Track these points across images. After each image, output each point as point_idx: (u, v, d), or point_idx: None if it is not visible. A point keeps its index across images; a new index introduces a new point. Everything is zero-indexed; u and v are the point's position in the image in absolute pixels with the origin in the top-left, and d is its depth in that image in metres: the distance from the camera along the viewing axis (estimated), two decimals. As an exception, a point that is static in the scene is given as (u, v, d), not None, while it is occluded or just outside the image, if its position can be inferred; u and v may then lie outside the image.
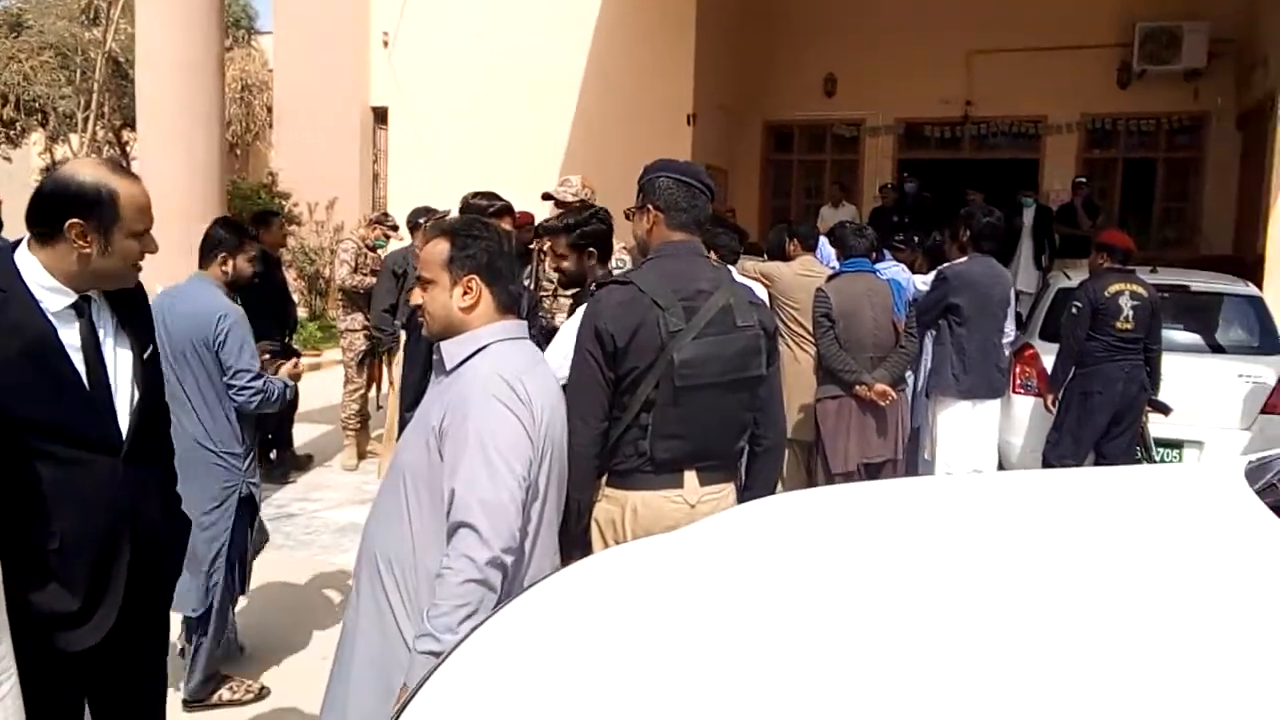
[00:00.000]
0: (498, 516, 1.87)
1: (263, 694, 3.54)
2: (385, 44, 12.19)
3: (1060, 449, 5.36)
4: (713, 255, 5.58)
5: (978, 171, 11.41)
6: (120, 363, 2.10)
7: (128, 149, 23.89)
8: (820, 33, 11.80)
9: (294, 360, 3.73)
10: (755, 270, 5.62)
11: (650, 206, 2.52)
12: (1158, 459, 5.47)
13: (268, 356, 3.58)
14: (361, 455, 6.92)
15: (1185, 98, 11.02)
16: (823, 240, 5.94)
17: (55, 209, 1.98)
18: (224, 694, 3.48)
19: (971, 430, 5.27)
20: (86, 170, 2.02)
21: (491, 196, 4.62)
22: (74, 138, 20.81)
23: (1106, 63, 11.10)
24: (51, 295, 2.00)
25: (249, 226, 4.77)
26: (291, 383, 3.61)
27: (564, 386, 3.21)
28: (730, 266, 5.53)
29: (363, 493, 6.22)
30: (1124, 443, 5.30)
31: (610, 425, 2.42)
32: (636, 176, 2.62)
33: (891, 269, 5.66)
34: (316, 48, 12.19)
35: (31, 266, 2.00)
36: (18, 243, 2.07)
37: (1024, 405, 5.81)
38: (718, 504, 2.50)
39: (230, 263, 3.53)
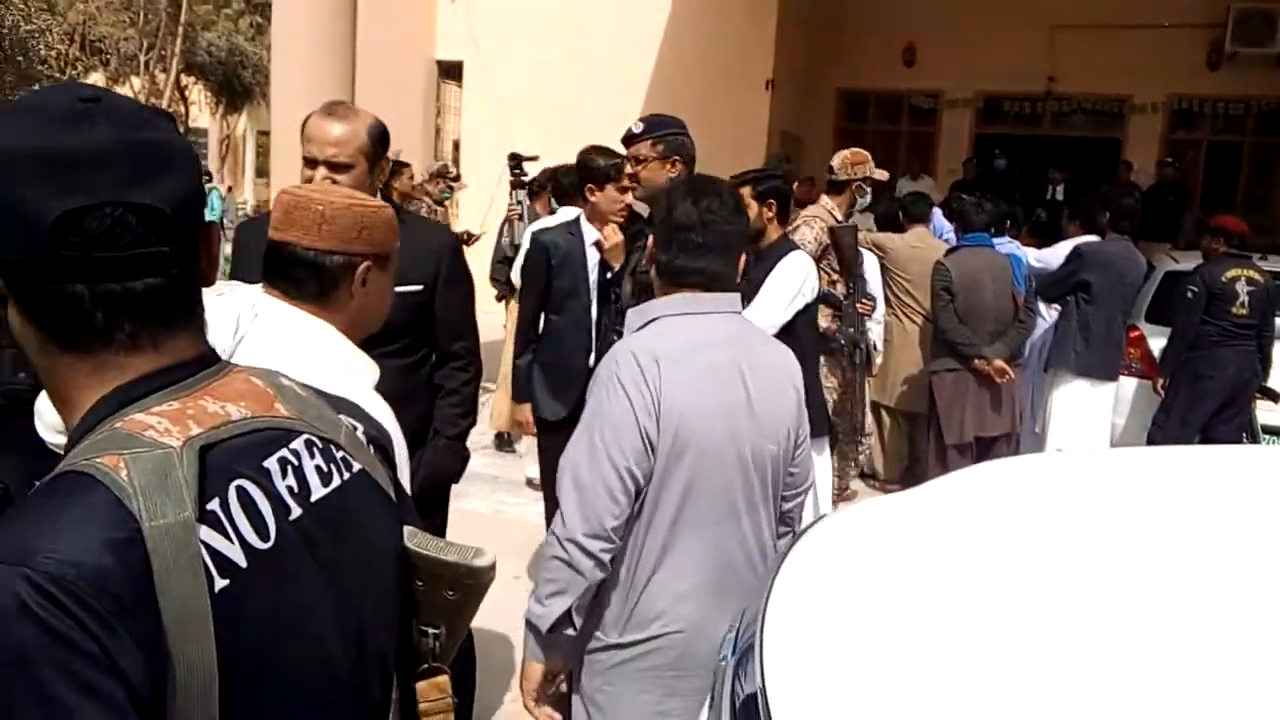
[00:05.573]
0: (587, 501, 1.80)
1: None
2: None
3: (1168, 432, 5.33)
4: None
5: (1057, 149, 11.24)
6: None
7: (186, 94, 23.91)
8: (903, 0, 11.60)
9: None
10: (868, 240, 5.61)
11: None
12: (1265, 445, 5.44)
13: None
14: None
15: (1276, 81, 10.78)
16: (936, 212, 5.92)
17: None
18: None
19: (1087, 410, 5.26)
20: None
21: (608, 154, 3.95)
22: (135, 80, 20.94)
23: (1197, 43, 10.84)
24: None
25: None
26: None
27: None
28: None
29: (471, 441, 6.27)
30: (1232, 428, 5.28)
31: None
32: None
33: (1008, 244, 5.63)
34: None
35: None
36: None
37: (1127, 386, 5.76)
38: None
39: None
